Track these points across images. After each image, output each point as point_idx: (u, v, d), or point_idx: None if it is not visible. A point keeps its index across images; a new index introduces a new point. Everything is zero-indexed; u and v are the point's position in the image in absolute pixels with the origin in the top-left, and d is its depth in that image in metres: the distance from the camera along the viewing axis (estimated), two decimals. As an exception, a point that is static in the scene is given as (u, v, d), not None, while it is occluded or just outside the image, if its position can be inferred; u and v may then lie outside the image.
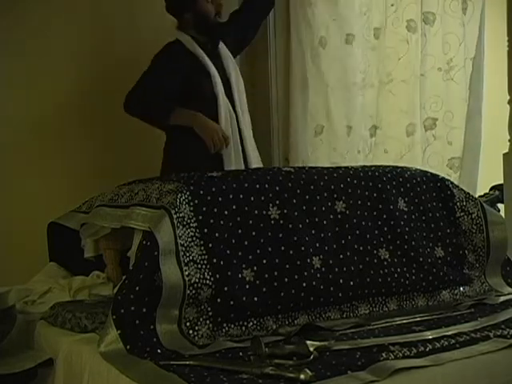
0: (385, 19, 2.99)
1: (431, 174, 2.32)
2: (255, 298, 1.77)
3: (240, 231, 1.83)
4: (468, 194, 2.27)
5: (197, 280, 1.70)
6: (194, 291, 1.69)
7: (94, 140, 3.20)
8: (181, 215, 1.77)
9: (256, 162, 2.98)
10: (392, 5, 2.96)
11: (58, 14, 3.12)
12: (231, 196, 1.86)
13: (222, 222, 1.82)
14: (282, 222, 1.90)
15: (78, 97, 3.18)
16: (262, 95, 3.64)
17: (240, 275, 1.78)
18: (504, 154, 2.35)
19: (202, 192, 1.84)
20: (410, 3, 2.92)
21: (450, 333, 1.68)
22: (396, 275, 1.99)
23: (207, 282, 1.72)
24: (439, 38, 2.79)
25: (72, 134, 3.16)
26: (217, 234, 1.79)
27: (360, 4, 3.17)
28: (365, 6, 3.14)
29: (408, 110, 2.96)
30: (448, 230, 2.18)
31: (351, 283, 1.91)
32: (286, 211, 1.91)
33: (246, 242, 1.83)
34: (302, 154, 3.39)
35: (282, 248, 1.86)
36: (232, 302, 1.73)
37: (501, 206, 2.52)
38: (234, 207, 1.85)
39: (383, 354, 1.51)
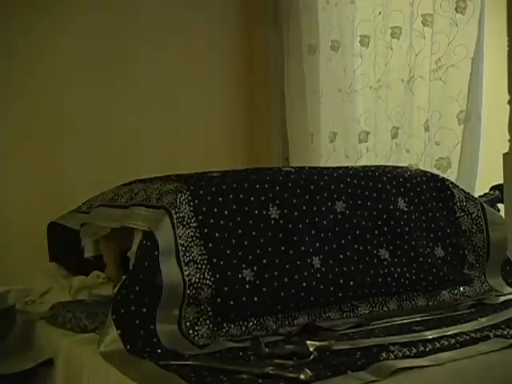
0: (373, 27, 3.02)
1: (431, 174, 2.32)
2: (255, 298, 1.76)
3: (240, 231, 1.83)
4: (468, 193, 2.27)
5: (197, 280, 1.70)
6: (194, 291, 1.69)
7: (90, 140, 3.20)
8: (181, 215, 1.77)
9: None
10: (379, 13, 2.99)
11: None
12: (231, 196, 1.86)
13: (222, 222, 1.81)
14: (281, 221, 1.89)
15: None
16: (261, 95, 3.65)
17: (240, 275, 1.78)
18: (504, 154, 2.34)
19: (201, 192, 1.84)
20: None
21: (449, 333, 1.68)
22: (396, 275, 1.99)
23: (207, 281, 1.72)
24: (429, 39, 2.80)
25: (69, 135, 3.16)
26: (217, 234, 1.79)
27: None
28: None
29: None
30: (448, 230, 2.18)
31: (351, 283, 1.91)
32: (286, 211, 1.91)
33: (245, 242, 1.82)
34: (302, 155, 3.39)
35: (282, 248, 1.86)
36: (232, 302, 1.73)
37: (501, 206, 2.52)
38: (234, 207, 1.85)
39: (383, 354, 1.51)
